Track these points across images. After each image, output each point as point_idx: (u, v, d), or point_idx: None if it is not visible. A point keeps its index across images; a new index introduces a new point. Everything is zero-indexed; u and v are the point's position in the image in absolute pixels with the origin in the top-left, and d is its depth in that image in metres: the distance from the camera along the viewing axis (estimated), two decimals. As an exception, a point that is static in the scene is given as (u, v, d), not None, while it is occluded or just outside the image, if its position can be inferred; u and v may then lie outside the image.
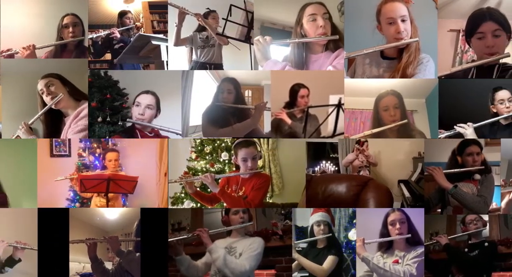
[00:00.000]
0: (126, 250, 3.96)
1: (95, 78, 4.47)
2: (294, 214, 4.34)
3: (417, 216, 4.04)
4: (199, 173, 4.71)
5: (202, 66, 4.49)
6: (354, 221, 4.23)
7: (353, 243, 4.18)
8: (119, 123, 4.51)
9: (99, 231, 4.18)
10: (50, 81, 4.15)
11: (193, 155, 5.01)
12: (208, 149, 4.93)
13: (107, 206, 4.30)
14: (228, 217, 3.83)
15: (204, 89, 4.46)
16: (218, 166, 4.88)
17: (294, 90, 4.31)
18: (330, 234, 3.97)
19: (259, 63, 4.14)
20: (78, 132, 4.20)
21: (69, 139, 4.65)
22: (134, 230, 4.09)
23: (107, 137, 4.48)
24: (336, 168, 4.97)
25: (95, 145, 4.81)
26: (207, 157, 4.95)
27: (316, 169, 4.96)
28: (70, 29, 4.45)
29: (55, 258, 4.07)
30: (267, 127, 4.35)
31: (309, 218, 4.09)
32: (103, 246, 4.06)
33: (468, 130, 4.10)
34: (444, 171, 4.06)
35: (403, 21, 3.94)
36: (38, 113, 4.14)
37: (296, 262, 4.03)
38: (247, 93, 4.55)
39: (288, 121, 4.26)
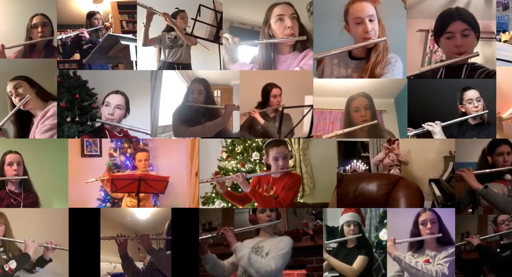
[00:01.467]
0: (157, 248, 3.93)
1: (64, 78, 4.47)
2: (325, 214, 4.31)
3: (448, 216, 4.00)
4: (230, 173, 4.71)
5: (170, 66, 4.48)
6: (385, 221, 4.18)
7: (384, 243, 4.13)
8: (88, 123, 4.52)
9: (130, 231, 4.10)
10: (18, 83, 4.15)
11: (224, 155, 5.02)
12: (239, 149, 4.94)
13: (138, 206, 4.26)
14: (256, 216, 3.74)
15: (173, 89, 4.47)
16: (249, 166, 4.87)
17: (267, 90, 4.27)
18: (360, 234, 3.94)
19: (226, 66, 4.12)
20: (45, 131, 4.18)
21: (100, 139, 4.69)
22: (165, 230, 4.05)
23: (75, 137, 4.47)
24: (367, 167, 4.99)
25: (126, 145, 4.83)
26: (238, 157, 4.95)
27: (347, 168, 4.93)
28: (39, 29, 4.41)
29: (86, 258, 4.05)
30: (236, 127, 4.37)
31: (339, 217, 4.07)
32: (134, 246, 4.05)
33: (436, 128, 4.05)
34: (474, 172, 3.99)
35: (370, 20, 3.87)
36: (8, 115, 4.18)
37: (326, 262, 4.01)
38: (216, 93, 4.54)
39: (261, 121, 4.22)
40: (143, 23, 4.34)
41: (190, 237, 3.99)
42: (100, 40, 4.55)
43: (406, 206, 4.04)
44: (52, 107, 4.24)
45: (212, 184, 4.47)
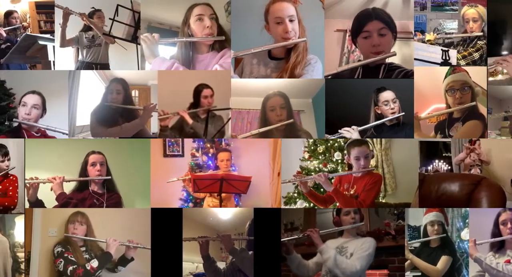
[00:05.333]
0: (239, 248, 3.94)
1: (-18, 78, 4.31)
2: (407, 214, 4.26)
3: (527, 215, 4.00)
4: (312, 173, 4.63)
5: (88, 66, 4.44)
6: (467, 220, 4.14)
7: (466, 243, 4.10)
8: (6, 123, 4.41)
9: (212, 231, 4.11)
10: None
11: (306, 155, 4.91)
12: (321, 149, 4.82)
13: (220, 206, 4.26)
14: (340, 218, 3.81)
15: (91, 89, 4.40)
16: (331, 166, 4.76)
17: (198, 90, 4.29)
18: (444, 234, 3.98)
19: (147, 60, 4.08)
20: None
21: (183, 139, 4.69)
22: (247, 230, 4.06)
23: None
24: (449, 167, 4.87)
25: (208, 145, 4.80)
26: (320, 157, 4.85)
27: (429, 168, 4.81)
28: (-43, 28, 4.33)
29: (168, 258, 4.04)
30: (154, 128, 4.33)
31: (421, 217, 4.11)
32: (217, 246, 4.07)
33: (353, 134, 4.05)
34: None
35: (291, 21, 3.87)
36: None
37: (408, 261, 4.03)
38: (134, 93, 4.51)
39: (189, 121, 4.23)
40: (60, 24, 4.29)
41: (272, 237, 4.00)
42: (18, 39, 4.40)
43: (488, 206, 4.02)
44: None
45: (294, 184, 4.41)
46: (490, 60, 4.25)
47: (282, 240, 3.76)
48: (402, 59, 4.13)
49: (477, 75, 4.20)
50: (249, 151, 4.68)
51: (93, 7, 4.33)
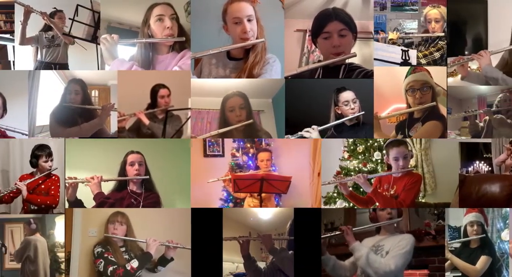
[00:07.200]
0: (280, 248, 3.96)
1: None
2: (447, 214, 4.24)
3: None
4: (352, 173, 4.63)
5: (47, 66, 4.45)
6: (507, 221, 4.13)
7: (506, 243, 4.12)
8: None
9: (252, 231, 4.08)
10: None
11: (346, 155, 4.89)
12: (360, 148, 4.78)
13: (261, 206, 4.26)
14: (376, 214, 3.80)
15: (51, 89, 4.37)
16: (371, 166, 4.74)
17: (154, 91, 4.25)
18: (484, 235, 3.98)
19: (106, 62, 4.08)
20: None
21: (223, 139, 4.70)
22: (287, 230, 4.04)
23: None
24: (490, 168, 4.85)
25: (249, 145, 4.78)
26: (359, 157, 4.82)
27: (469, 169, 4.77)
28: None
29: (208, 258, 4.02)
30: (113, 127, 4.30)
31: (462, 218, 4.12)
32: (257, 246, 4.10)
33: (313, 134, 4.04)
34: None
35: (249, 21, 3.87)
36: None
37: (448, 261, 4.03)
38: (94, 93, 4.48)
39: (146, 121, 4.19)
40: (21, 21, 4.29)
41: (312, 237, 3.96)
42: (-22, 40, 4.40)
43: (528, 207, 4.09)
44: None
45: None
46: (450, 59, 4.26)
47: (322, 236, 3.78)
48: (362, 59, 4.13)
49: (438, 75, 4.20)
50: (289, 151, 4.65)
51: (54, 7, 4.33)
